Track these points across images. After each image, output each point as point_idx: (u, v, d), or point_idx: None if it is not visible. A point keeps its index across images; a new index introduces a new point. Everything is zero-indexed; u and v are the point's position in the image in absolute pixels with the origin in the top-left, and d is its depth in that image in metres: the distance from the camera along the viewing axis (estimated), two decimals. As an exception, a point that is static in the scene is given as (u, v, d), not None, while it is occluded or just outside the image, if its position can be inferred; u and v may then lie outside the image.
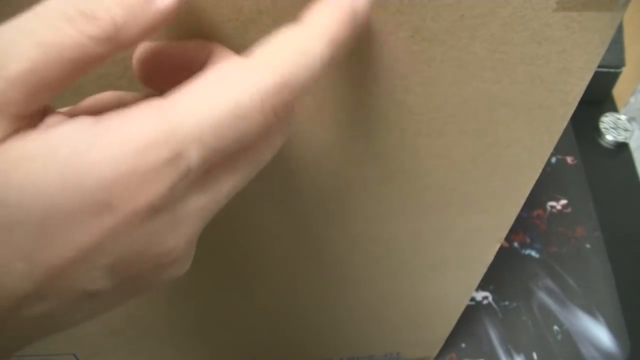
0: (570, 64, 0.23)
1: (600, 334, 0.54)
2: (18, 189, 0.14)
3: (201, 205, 0.17)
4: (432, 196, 0.29)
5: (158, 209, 0.16)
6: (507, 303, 0.55)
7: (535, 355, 0.52)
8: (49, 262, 0.15)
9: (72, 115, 0.17)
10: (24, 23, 0.15)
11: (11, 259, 0.15)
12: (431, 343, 0.47)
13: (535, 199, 0.62)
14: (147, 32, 0.16)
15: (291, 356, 0.44)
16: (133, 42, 0.16)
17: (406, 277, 0.36)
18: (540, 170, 0.28)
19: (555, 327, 0.54)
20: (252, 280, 0.34)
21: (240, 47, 0.20)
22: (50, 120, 0.16)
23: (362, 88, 0.23)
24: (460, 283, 0.37)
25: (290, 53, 0.17)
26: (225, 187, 0.18)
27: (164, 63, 0.19)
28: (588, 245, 0.59)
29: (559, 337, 0.53)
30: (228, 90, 0.16)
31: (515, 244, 0.59)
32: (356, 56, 0.21)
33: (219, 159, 0.17)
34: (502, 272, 0.57)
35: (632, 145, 0.68)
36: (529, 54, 0.22)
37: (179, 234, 0.17)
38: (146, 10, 0.16)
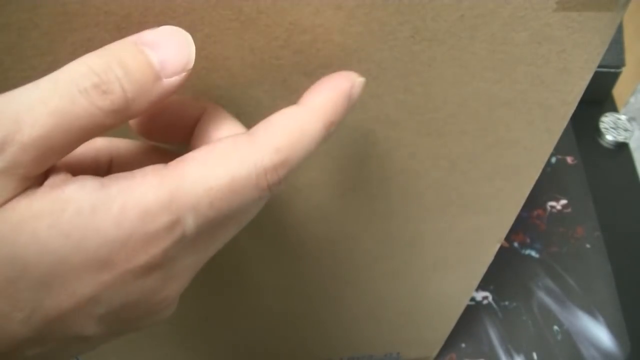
0: (570, 64, 0.23)
1: (600, 334, 0.54)
2: (24, 247, 0.15)
3: (193, 262, 0.19)
4: (432, 196, 0.29)
5: (153, 268, 0.17)
6: (507, 303, 0.55)
7: (535, 355, 0.52)
8: (47, 312, 0.16)
9: (72, 168, 0.18)
10: (41, 90, 0.16)
11: (12, 309, 0.16)
12: (431, 343, 0.47)
13: (535, 199, 0.62)
14: (155, 105, 0.17)
15: (291, 356, 0.44)
16: (140, 114, 0.17)
17: (406, 277, 0.36)
18: (540, 170, 0.28)
19: (555, 327, 0.54)
20: (252, 281, 0.34)
21: (239, 47, 0.20)
22: (54, 179, 0.17)
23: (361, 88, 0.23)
24: (460, 283, 0.37)
25: (289, 134, 0.18)
26: (215, 246, 0.19)
27: (160, 116, 0.20)
28: (588, 245, 0.59)
29: (559, 337, 0.53)
30: (227, 166, 0.17)
31: (515, 244, 0.59)
32: (356, 56, 0.21)
33: (212, 225, 0.18)
34: (502, 272, 0.57)
35: (632, 145, 0.68)
36: (529, 54, 0.22)
37: (171, 287, 0.18)
38: (155, 87, 0.17)
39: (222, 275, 0.33)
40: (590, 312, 0.55)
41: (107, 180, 0.17)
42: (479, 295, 0.56)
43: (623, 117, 0.68)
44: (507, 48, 0.22)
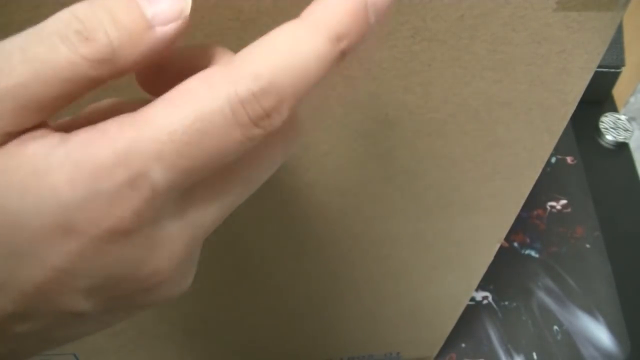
0: (570, 64, 0.23)
1: (600, 334, 0.54)
2: None
3: (183, 227, 0.16)
4: (432, 196, 0.29)
5: (126, 233, 0.15)
6: (507, 303, 0.55)
7: (535, 355, 0.52)
8: (23, 285, 0.15)
9: (67, 128, 0.16)
10: (21, 39, 0.15)
11: None
12: (431, 343, 0.47)
13: (535, 199, 0.62)
14: (146, 57, 0.15)
15: (291, 356, 0.44)
16: (131, 67, 0.15)
17: (406, 277, 0.36)
18: (540, 170, 0.28)
19: (555, 327, 0.54)
20: (252, 281, 0.34)
21: (239, 47, 0.20)
22: (28, 135, 0.15)
23: (361, 88, 0.23)
24: (460, 283, 0.37)
25: (274, 54, 0.15)
26: (211, 210, 0.17)
27: (166, 69, 0.18)
28: (588, 245, 0.59)
29: (559, 337, 0.53)
30: (194, 103, 0.15)
31: (515, 244, 0.59)
32: (356, 56, 0.21)
33: (194, 179, 0.16)
34: (502, 272, 0.57)
35: (632, 145, 0.68)
36: (529, 54, 0.22)
37: (160, 256, 0.16)
38: (146, 36, 0.15)
39: (222, 276, 0.33)
40: (590, 312, 0.55)
41: (68, 134, 0.15)
42: (479, 295, 0.56)
43: (623, 117, 0.68)
44: (507, 48, 0.22)
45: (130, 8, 0.15)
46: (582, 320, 0.54)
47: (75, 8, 0.15)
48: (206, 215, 0.17)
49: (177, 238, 0.16)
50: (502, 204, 0.30)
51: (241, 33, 0.20)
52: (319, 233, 0.31)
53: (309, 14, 0.16)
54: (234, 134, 0.15)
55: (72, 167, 0.14)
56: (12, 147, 0.15)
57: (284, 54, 0.15)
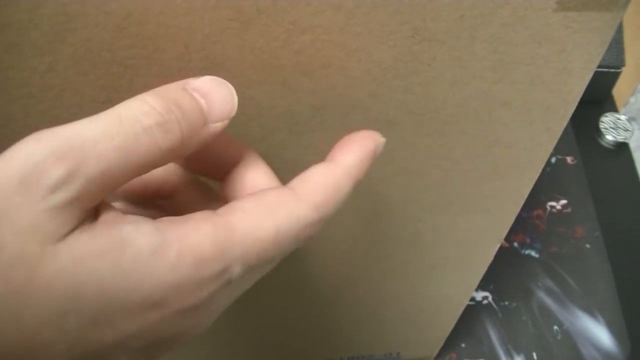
0: (570, 64, 0.23)
1: (600, 334, 0.54)
2: (83, 283, 0.15)
3: (228, 300, 0.20)
4: (432, 196, 0.29)
5: (197, 308, 0.18)
6: (507, 303, 0.55)
7: (535, 355, 0.52)
8: (89, 345, 0.16)
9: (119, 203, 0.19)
10: (105, 125, 0.16)
11: (57, 341, 0.16)
12: (431, 343, 0.47)
13: (535, 199, 0.62)
14: (200, 148, 0.18)
15: (292, 356, 0.44)
16: (186, 155, 0.18)
17: (406, 277, 0.36)
18: (540, 170, 0.28)
19: (555, 327, 0.54)
20: (252, 280, 0.34)
21: (239, 47, 0.20)
22: (108, 216, 0.17)
23: (361, 88, 0.23)
24: (460, 283, 0.37)
25: (327, 191, 0.19)
26: (249, 285, 0.20)
27: (202, 152, 0.21)
28: (588, 245, 0.59)
29: (559, 337, 0.53)
30: (274, 219, 0.18)
31: (515, 244, 0.59)
32: (356, 56, 0.21)
33: (254, 271, 0.19)
34: (502, 272, 0.57)
35: (632, 145, 0.68)
36: (529, 54, 0.22)
37: (206, 323, 0.19)
38: (204, 130, 0.18)
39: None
40: (590, 312, 0.55)
41: (160, 223, 0.17)
42: (479, 295, 0.56)
43: (623, 117, 0.68)
44: (507, 48, 0.22)
45: (194, 104, 0.18)
46: (582, 320, 0.54)
47: (150, 99, 0.17)
48: (244, 289, 0.20)
49: (223, 306, 0.19)
50: (502, 204, 0.30)
51: (241, 33, 0.20)
52: (319, 233, 0.31)
53: (344, 161, 0.20)
54: (292, 245, 0.19)
55: (176, 254, 0.17)
56: (105, 228, 0.16)
57: (332, 191, 0.20)
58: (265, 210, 0.18)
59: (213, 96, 0.19)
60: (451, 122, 0.25)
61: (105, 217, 0.17)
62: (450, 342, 0.51)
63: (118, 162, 0.16)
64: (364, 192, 0.28)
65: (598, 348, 0.53)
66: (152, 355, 0.19)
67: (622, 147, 0.67)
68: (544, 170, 0.28)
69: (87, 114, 0.17)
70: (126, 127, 0.16)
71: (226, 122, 0.19)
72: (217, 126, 0.19)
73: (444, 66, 0.22)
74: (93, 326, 0.16)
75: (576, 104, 0.25)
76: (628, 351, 0.53)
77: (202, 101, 0.18)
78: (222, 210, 0.18)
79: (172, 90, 0.18)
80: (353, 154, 0.20)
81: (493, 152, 0.27)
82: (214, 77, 0.19)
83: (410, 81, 0.23)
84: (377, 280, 0.36)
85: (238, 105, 0.19)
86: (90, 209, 0.16)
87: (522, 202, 0.30)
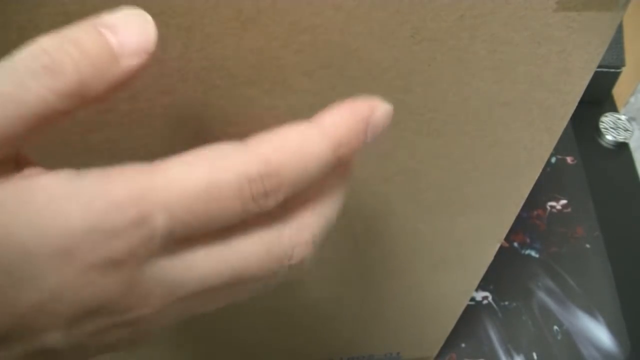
0: (570, 64, 0.23)
1: (600, 334, 0.54)
2: None
3: (171, 273, 0.17)
4: (432, 196, 0.29)
5: (116, 265, 0.16)
6: (507, 303, 0.55)
7: (535, 355, 0.52)
8: (13, 306, 0.15)
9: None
10: None
11: None
12: (431, 343, 0.47)
13: (535, 199, 0.62)
14: (113, 88, 0.16)
15: (292, 356, 0.44)
16: (98, 98, 0.16)
17: (406, 277, 0.36)
18: (540, 170, 0.28)
19: (555, 327, 0.54)
20: (252, 280, 0.34)
21: (239, 47, 0.20)
22: (30, 171, 0.16)
23: (361, 88, 0.23)
24: (460, 283, 0.37)
25: (284, 147, 0.17)
26: (206, 264, 0.18)
27: None
28: (588, 245, 0.59)
29: (559, 337, 0.53)
30: (209, 169, 0.16)
31: (515, 244, 0.59)
32: (356, 56, 0.21)
33: (192, 233, 0.17)
34: (502, 272, 0.57)
35: (632, 145, 0.68)
36: (529, 54, 0.22)
37: (141, 295, 0.17)
38: (112, 68, 0.16)
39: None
40: (590, 312, 0.55)
41: (85, 171, 0.16)
42: (479, 295, 0.56)
43: (623, 117, 0.68)
44: (507, 48, 0.22)
45: (97, 40, 0.16)
46: (582, 320, 0.54)
47: (43, 40, 0.16)
48: (198, 268, 0.17)
49: (163, 281, 0.17)
50: (502, 204, 0.30)
51: (241, 33, 0.20)
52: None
53: (320, 120, 0.18)
54: (234, 204, 0.17)
55: (88, 199, 0.15)
56: (18, 179, 0.16)
57: (293, 148, 0.17)
58: (202, 159, 0.17)
59: (125, 30, 0.16)
60: (451, 122, 0.25)
61: (26, 172, 0.16)
62: (450, 342, 0.51)
63: (4, 114, 0.15)
64: (364, 192, 0.28)
65: (598, 348, 0.53)
66: (90, 340, 0.17)
67: (622, 147, 0.67)
68: (544, 170, 0.28)
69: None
70: (10, 74, 0.15)
71: (144, 56, 0.16)
72: (131, 62, 0.16)
73: (444, 66, 0.22)
74: (14, 282, 0.15)
75: (576, 104, 0.25)
76: (628, 351, 0.53)
77: (111, 37, 0.16)
78: (158, 160, 0.17)
79: (75, 29, 0.16)
80: (335, 114, 0.18)
81: (493, 152, 0.27)
82: (128, 9, 0.17)
83: (410, 81, 0.23)
84: (377, 280, 0.36)
85: (238, 105, 0.19)
86: None
87: (522, 202, 0.30)
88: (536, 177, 0.29)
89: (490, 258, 0.35)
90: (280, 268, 0.19)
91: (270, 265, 0.18)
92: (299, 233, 0.19)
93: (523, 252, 0.59)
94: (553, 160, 0.65)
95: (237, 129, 0.23)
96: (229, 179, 0.16)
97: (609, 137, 0.67)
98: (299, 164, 0.17)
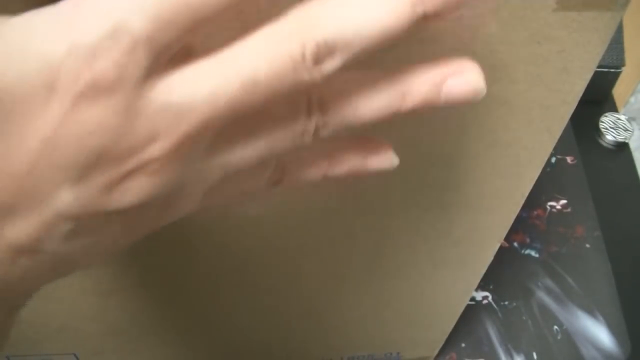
0: (570, 64, 0.23)
1: (600, 333, 0.54)
2: None
3: (173, 95, 0.15)
4: (433, 196, 0.29)
5: (106, 90, 0.14)
6: (507, 303, 0.55)
7: (535, 355, 0.52)
8: (12, 167, 0.15)
9: None
10: None
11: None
12: (431, 343, 0.47)
13: (535, 199, 0.62)
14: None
15: (292, 356, 0.44)
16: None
17: (406, 277, 0.36)
18: (540, 170, 0.28)
19: (555, 327, 0.54)
20: (252, 281, 0.34)
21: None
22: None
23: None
24: (460, 283, 0.37)
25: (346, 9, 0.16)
26: (210, 75, 0.16)
27: None
28: (588, 245, 0.59)
29: (559, 337, 0.53)
30: None
31: (515, 244, 0.59)
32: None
33: (174, 35, 0.15)
34: (502, 272, 0.57)
35: (632, 145, 0.68)
36: (529, 54, 0.22)
37: (145, 128, 0.15)
38: None
39: (222, 276, 0.33)
40: (590, 312, 0.55)
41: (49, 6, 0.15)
42: (479, 295, 0.56)
43: (623, 117, 0.68)
44: (506, 48, 0.22)
45: None
46: (582, 320, 0.54)
47: None
48: (193, 99, 0.15)
49: (158, 115, 0.15)
50: (502, 204, 0.30)
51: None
52: (318, 233, 0.31)
53: None
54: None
55: (54, 22, 0.14)
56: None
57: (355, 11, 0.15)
58: None
59: None
60: (451, 122, 0.25)
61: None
62: (450, 342, 0.51)
63: None
64: (364, 192, 0.28)
65: (598, 348, 0.53)
66: (101, 186, 0.15)
67: (622, 147, 0.67)
68: (544, 170, 0.28)
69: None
70: None
71: None
72: None
73: (444, 66, 0.22)
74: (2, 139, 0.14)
75: (576, 104, 0.25)
76: (628, 351, 0.53)
77: None
78: None
79: None
80: None
81: (493, 152, 0.27)
82: None
83: (410, 81, 0.23)
84: (377, 280, 0.36)
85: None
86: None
87: (522, 202, 0.30)
88: (536, 177, 0.29)
89: (490, 258, 0.35)
90: (295, 73, 0.16)
91: (282, 65, 0.16)
92: (308, 29, 0.16)
93: (523, 252, 0.59)
94: (553, 160, 0.65)
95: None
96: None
97: (609, 137, 0.67)
98: (366, 27, 0.16)
